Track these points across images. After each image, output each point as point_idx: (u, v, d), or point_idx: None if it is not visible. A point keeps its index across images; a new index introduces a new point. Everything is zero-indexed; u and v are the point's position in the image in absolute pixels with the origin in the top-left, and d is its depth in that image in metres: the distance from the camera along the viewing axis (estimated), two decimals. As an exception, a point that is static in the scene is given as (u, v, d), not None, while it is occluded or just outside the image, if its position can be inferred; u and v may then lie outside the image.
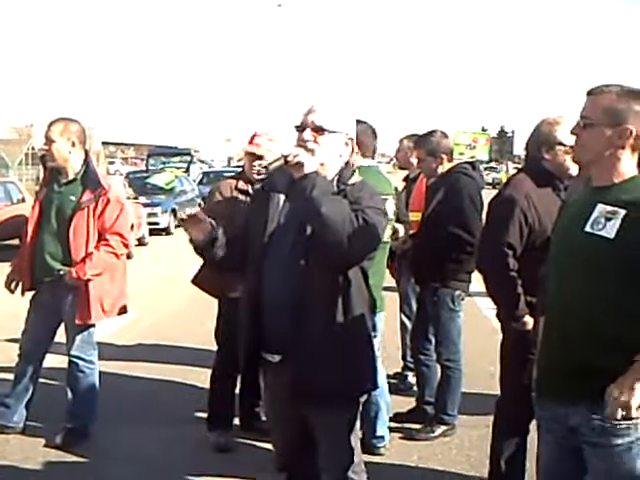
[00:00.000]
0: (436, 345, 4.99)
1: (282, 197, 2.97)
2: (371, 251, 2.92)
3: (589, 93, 2.50)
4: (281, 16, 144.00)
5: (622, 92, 2.45)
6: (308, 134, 2.89)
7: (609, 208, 2.41)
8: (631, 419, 2.35)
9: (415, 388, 5.44)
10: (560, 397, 2.50)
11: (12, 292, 4.82)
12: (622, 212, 2.37)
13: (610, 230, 2.37)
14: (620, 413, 2.31)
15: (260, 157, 4.59)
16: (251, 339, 2.98)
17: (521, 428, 3.78)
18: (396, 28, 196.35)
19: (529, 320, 3.57)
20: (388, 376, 5.22)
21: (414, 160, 5.54)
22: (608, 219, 2.39)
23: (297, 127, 2.93)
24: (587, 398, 2.41)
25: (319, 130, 2.89)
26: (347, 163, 3.02)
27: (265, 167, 2.89)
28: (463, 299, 4.93)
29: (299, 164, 2.73)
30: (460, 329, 4.96)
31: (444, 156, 4.94)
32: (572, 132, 2.54)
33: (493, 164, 58.65)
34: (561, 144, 3.66)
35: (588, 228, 2.43)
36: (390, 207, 4.16)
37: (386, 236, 4.16)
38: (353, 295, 2.90)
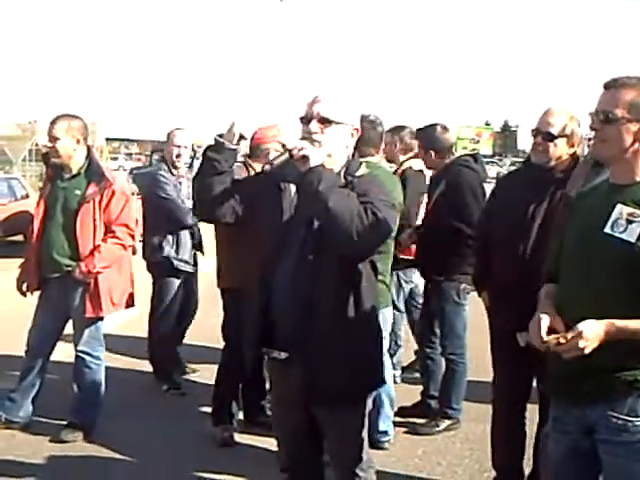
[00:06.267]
0: (441, 339, 4.99)
1: (294, 188, 2.90)
2: (381, 244, 2.85)
3: (608, 86, 2.41)
4: (283, 11, 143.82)
5: None
6: (315, 126, 2.80)
7: (630, 210, 2.35)
8: None
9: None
10: (579, 398, 2.44)
11: (24, 295, 4.81)
12: None
13: (632, 233, 2.32)
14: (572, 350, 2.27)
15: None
16: (259, 334, 2.90)
17: (519, 412, 3.84)
18: (398, 21, 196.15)
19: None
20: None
21: (402, 155, 5.50)
22: (630, 222, 2.33)
23: (302, 118, 2.85)
24: (606, 397, 2.37)
25: (325, 121, 2.80)
26: (354, 155, 2.95)
27: (270, 163, 2.80)
28: (469, 292, 4.91)
29: (304, 157, 2.67)
30: (465, 323, 4.97)
31: (443, 151, 4.93)
32: (591, 127, 2.44)
33: (497, 158, 58.61)
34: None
35: (608, 229, 2.36)
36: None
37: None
38: (363, 290, 2.82)
